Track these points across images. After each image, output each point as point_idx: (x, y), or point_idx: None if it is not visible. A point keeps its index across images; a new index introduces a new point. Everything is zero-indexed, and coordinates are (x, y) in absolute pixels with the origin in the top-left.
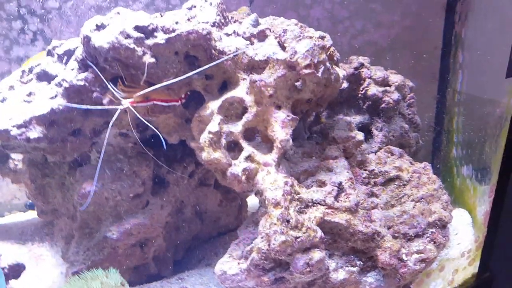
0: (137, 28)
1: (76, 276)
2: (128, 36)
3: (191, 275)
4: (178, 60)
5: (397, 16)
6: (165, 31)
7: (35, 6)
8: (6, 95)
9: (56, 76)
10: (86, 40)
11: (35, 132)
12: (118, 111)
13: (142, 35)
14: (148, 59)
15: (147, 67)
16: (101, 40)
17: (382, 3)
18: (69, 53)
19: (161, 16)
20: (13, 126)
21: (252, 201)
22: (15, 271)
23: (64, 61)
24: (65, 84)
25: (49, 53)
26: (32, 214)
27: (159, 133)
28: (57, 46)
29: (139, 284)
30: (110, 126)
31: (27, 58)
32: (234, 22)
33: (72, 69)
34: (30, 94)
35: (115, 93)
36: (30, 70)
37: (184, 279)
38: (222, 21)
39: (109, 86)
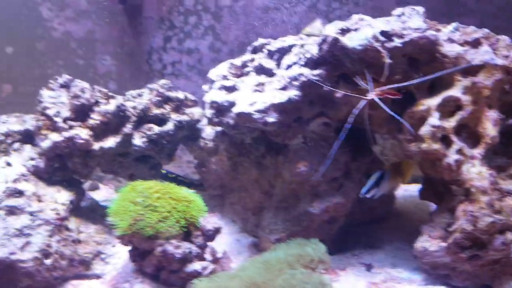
0: (382, 33)
1: (280, 242)
2: (377, 40)
3: (361, 253)
4: (403, 61)
5: None
6: (397, 36)
7: (210, 3)
8: (237, 84)
9: (270, 70)
10: (333, 41)
11: (272, 118)
12: (365, 102)
13: (385, 39)
14: (386, 59)
15: (386, 66)
16: (353, 42)
17: None
18: (282, 51)
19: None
20: (255, 111)
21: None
22: (215, 233)
23: (275, 57)
24: (303, 78)
25: (255, 50)
26: None
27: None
28: (266, 44)
29: None
30: (356, 111)
31: (197, 51)
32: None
33: (302, 65)
34: (258, 84)
35: (362, 86)
36: (244, 64)
37: (358, 255)
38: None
39: (357, 80)
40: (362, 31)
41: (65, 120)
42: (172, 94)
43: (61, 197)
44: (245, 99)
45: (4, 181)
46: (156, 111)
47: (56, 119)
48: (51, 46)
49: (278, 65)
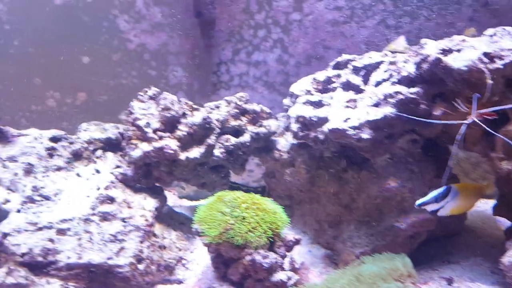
0: (485, 55)
1: (368, 256)
2: (481, 61)
3: (440, 267)
4: (502, 82)
5: None
6: (497, 57)
7: (281, 18)
8: (325, 100)
9: (358, 86)
10: (435, 61)
11: (366, 134)
12: (465, 125)
13: (488, 60)
14: (489, 80)
15: (488, 87)
16: (458, 63)
17: None
18: (369, 67)
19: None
20: (350, 128)
21: None
22: (295, 244)
23: (361, 73)
24: (400, 96)
25: (338, 65)
26: None
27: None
28: (352, 60)
29: None
30: (459, 137)
31: (264, 63)
32: None
33: (395, 83)
34: (349, 100)
35: (461, 109)
36: (329, 80)
37: (438, 270)
38: None
39: (457, 104)
40: (466, 52)
41: (155, 131)
42: (249, 106)
43: (148, 204)
44: (337, 115)
45: (96, 188)
46: (233, 122)
47: (146, 129)
48: (126, 57)
49: (365, 81)
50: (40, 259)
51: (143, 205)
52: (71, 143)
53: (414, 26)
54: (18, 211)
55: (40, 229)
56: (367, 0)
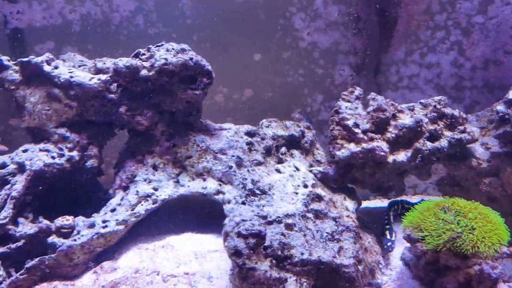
0: None
1: None
2: None
3: None
4: None
5: None
6: None
7: (462, 19)
8: None
9: None
10: None
11: None
12: None
13: None
14: None
15: None
16: None
17: None
18: None
19: None
20: None
21: None
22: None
23: None
24: None
25: None
26: None
27: None
28: None
29: None
30: None
31: (437, 65)
32: None
33: None
34: None
35: None
36: None
37: None
38: None
39: None
40: None
41: (364, 131)
42: (448, 110)
43: (349, 205)
44: None
45: (302, 185)
46: (429, 126)
47: (355, 129)
48: (295, 55)
49: None
50: (279, 253)
51: (346, 206)
52: (262, 138)
53: None
54: (243, 203)
55: (270, 222)
56: None
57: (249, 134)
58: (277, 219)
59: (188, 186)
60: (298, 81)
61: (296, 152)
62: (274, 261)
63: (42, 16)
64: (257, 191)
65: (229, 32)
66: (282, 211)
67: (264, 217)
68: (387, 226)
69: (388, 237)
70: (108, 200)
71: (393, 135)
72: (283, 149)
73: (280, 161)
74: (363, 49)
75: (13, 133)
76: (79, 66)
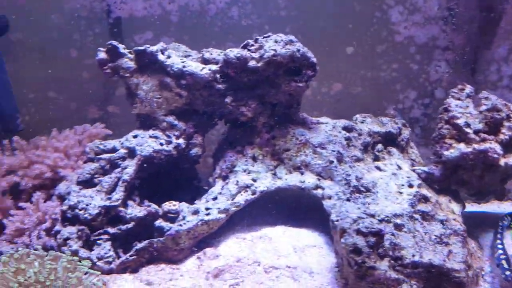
0: None
1: None
2: None
3: None
4: None
5: None
6: None
7: None
8: None
9: None
10: None
11: None
12: None
13: None
14: None
15: None
16: None
17: None
18: None
19: None
20: None
21: None
22: None
23: None
24: None
25: None
26: None
27: None
28: None
29: None
30: None
31: None
32: None
33: None
34: None
35: None
36: None
37: None
38: None
39: None
40: None
41: (476, 131)
42: None
43: (455, 207)
44: None
45: (406, 185)
46: None
47: (466, 129)
48: (390, 49)
49: None
50: (390, 253)
51: (452, 208)
52: (359, 134)
53: None
54: (348, 200)
55: (380, 222)
56: None
57: (347, 129)
58: (385, 219)
59: (286, 179)
60: (390, 76)
61: (394, 150)
62: (392, 261)
63: (143, 7)
64: (362, 188)
65: (322, 24)
66: (388, 210)
67: (372, 216)
68: (502, 254)
69: (506, 266)
70: (202, 188)
71: (507, 137)
72: (380, 146)
73: (377, 159)
74: (462, 45)
75: (111, 119)
76: (185, 56)
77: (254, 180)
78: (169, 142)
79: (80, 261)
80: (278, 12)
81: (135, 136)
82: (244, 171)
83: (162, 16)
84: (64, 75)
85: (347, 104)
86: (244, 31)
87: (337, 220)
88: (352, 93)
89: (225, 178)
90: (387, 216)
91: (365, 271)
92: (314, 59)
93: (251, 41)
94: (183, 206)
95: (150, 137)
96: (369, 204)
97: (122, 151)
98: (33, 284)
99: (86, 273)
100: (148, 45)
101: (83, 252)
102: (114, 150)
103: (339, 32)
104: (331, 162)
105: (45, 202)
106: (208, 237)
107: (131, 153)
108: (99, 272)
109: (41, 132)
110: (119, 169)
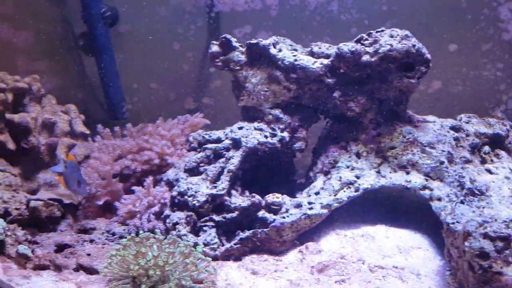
0: None
1: None
2: None
3: None
4: None
5: None
6: None
7: None
8: None
9: None
10: None
11: None
12: None
13: None
14: None
15: None
16: None
17: None
18: None
19: None
20: None
21: None
22: None
23: None
24: None
25: None
26: None
27: None
28: None
29: None
30: None
31: None
32: None
33: None
34: None
35: None
36: None
37: None
38: None
39: None
40: None
41: None
42: None
43: None
44: None
45: None
46: None
47: None
48: (496, 48)
49: None
50: (510, 259)
51: None
52: (467, 135)
53: None
54: (462, 202)
55: (506, 226)
56: None
57: (454, 129)
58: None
59: (390, 178)
60: (495, 75)
61: (503, 153)
62: None
63: (244, 1)
64: (476, 191)
65: (424, 20)
66: (504, 215)
67: (495, 220)
68: None
69: None
70: (295, 182)
71: None
72: (487, 148)
73: (484, 161)
74: None
75: (205, 110)
76: (290, 50)
77: (357, 177)
78: (274, 135)
79: (194, 247)
80: (380, 7)
81: (240, 128)
82: (347, 167)
83: (262, 10)
84: (166, 67)
85: (446, 103)
86: (342, 25)
87: (453, 223)
88: (452, 92)
89: (326, 173)
90: (505, 221)
91: (491, 276)
92: (429, 56)
93: (364, 35)
94: (286, 199)
95: (255, 129)
96: (483, 208)
97: (227, 142)
98: (152, 267)
99: (198, 259)
100: (260, 39)
101: (191, 237)
102: (218, 140)
103: (442, 29)
104: (442, 162)
105: (153, 187)
106: (308, 231)
107: (236, 144)
108: (210, 259)
109: (141, 121)
110: (223, 159)
